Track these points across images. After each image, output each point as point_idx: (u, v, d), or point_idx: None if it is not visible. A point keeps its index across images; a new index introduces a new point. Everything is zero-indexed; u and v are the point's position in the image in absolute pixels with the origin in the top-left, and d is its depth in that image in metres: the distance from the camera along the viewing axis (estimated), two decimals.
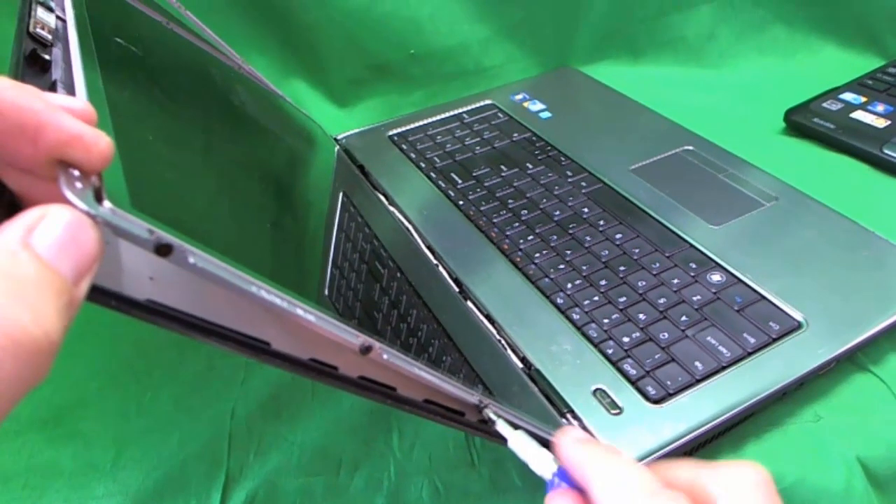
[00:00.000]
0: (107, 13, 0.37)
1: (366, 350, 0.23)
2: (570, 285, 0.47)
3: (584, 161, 0.60)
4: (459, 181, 0.60)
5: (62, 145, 0.18)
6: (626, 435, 0.37)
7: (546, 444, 0.28)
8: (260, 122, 0.55)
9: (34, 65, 0.25)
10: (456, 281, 0.49)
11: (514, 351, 0.43)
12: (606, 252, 0.49)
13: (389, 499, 0.40)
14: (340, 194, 0.58)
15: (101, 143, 0.19)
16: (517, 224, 0.54)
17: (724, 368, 0.40)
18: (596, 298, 0.46)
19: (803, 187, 0.54)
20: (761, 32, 0.81)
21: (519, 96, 0.73)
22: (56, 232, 0.17)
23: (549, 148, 0.63)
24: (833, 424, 0.40)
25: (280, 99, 0.64)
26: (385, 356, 0.24)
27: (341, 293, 0.47)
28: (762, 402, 0.39)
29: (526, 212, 0.55)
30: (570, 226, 0.52)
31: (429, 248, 0.52)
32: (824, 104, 0.68)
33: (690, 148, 0.61)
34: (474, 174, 0.60)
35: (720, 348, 0.41)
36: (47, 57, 0.25)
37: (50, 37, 0.26)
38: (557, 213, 0.54)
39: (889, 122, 0.64)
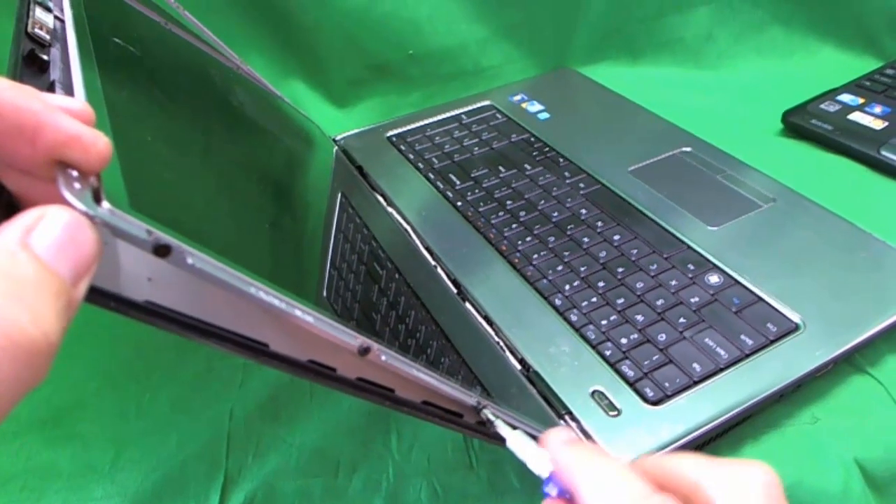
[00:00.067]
0: (105, 13, 0.37)
1: (364, 351, 0.23)
2: (568, 287, 0.47)
3: (583, 162, 0.60)
4: (458, 182, 0.60)
5: (60, 146, 0.18)
6: (624, 436, 0.37)
7: None
8: (258, 122, 0.55)
9: (32, 65, 0.25)
10: (454, 282, 0.49)
11: (512, 352, 0.43)
12: (604, 253, 0.49)
13: (388, 500, 0.40)
14: (339, 195, 0.58)
15: (99, 143, 0.19)
16: (515, 225, 0.54)
17: (721, 370, 0.40)
18: (594, 300, 0.46)
19: (801, 189, 0.54)
20: (759, 34, 0.81)
21: (517, 97, 0.73)
22: (55, 233, 0.17)
23: (547, 149, 0.63)
24: (831, 426, 0.40)
25: (278, 99, 0.64)
26: (383, 357, 0.24)
27: (340, 294, 0.47)
28: (760, 403, 0.39)
29: (524, 213, 0.55)
30: (569, 227, 0.53)
31: (427, 249, 0.52)
32: (822, 105, 0.68)
33: (688, 149, 0.61)
34: (473, 175, 0.60)
35: (718, 350, 0.41)
36: (45, 57, 0.25)
37: (48, 37, 0.26)
38: (556, 214, 0.54)
39: (886, 124, 0.64)
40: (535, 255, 0.50)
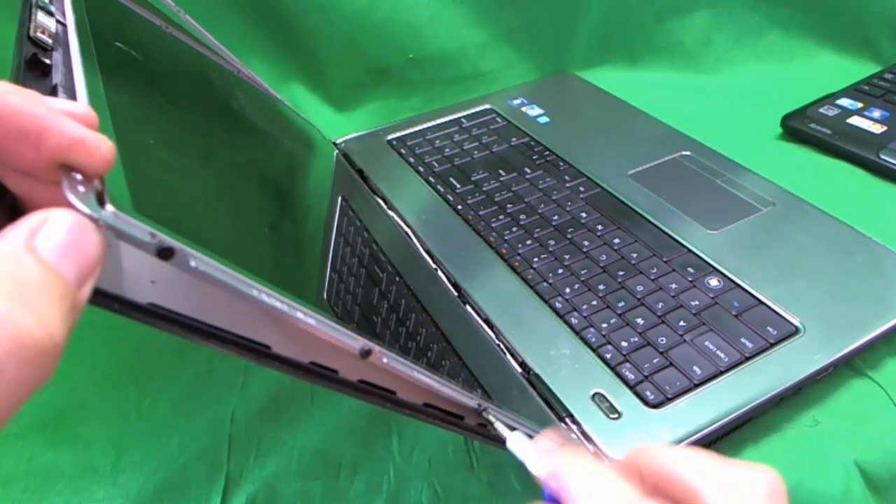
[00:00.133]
0: (107, 17, 0.37)
1: (366, 354, 0.24)
2: (568, 290, 0.47)
3: (583, 166, 0.60)
4: (458, 185, 0.60)
5: (64, 149, 0.18)
6: (624, 439, 0.37)
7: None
8: (259, 126, 0.55)
9: (35, 69, 0.25)
10: (454, 285, 0.49)
11: (512, 355, 0.43)
12: (605, 257, 0.50)
13: (389, 502, 0.40)
14: (339, 198, 0.58)
15: (102, 147, 0.19)
16: (515, 228, 0.54)
17: (722, 373, 0.40)
18: (594, 303, 0.46)
19: (800, 192, 0.55)
20: (758, 38, 0.81)
21: (517, 101, 0.73)
22: (59, 235, 0.17)
23: (547, 153, 0.63)
24: (831, 429, 0.40)
25: (279, 103, 0.64)
26: (385, 360, 0.24)
27: (340, 297, 0.47)
28: (760, 406, 0.39)
29: (524, 216, 0.55)
30: (569, 230, 0.53)
31: (427, 252, 0.52)
32: (821, 110, 0.68)
33: (688, 153, 0.61)
34: (473, 179, 0.60)
35: (718, 353, 0.41)
36: (48, 61, 0.25)
37: (50, 41, 0.26)
38: (556, 217, 0.54)
39: (885, 128, 0.64)
40: (536, 259, 0.50)
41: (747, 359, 0.41)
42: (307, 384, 0.39)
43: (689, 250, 0.49)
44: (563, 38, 0.80)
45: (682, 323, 0.44)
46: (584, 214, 0.54)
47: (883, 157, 0.60)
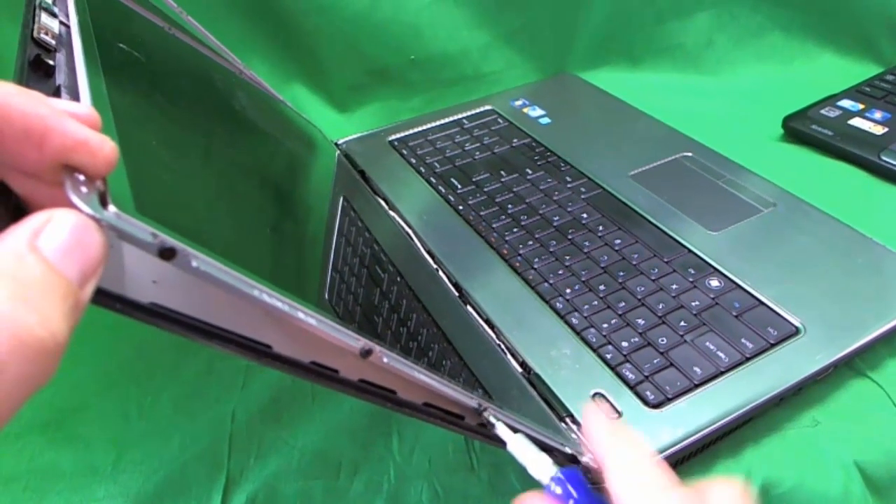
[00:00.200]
0: (110, 18, 0.37)
1: (366, 353, 0.24)
2: (569, 290, 0.47)
3: (584, 167, 0.60)
4: (459, 186, 0.60)
5: (67, 150, 0.18)
6: None
7: (545, 448, 0.28)
8: (261, 126, 0.56)
9: (38, 70, 0.25)
10: (455, 285, 0.49)
11: (513, 355, 0.43)
12: (606, 257, 0.50)
13: (389, 502, 0.40)
14: (341, 199, 0.59)
15: (105, 147, 0.19)
16: (516, 229, 0.54)
17: (722, 373, 0.40)
18: (595, 303, 0.46)
19: (801, 194, 0.55)
20: (759, 39, 0.81)
21: (518, 102, 0.73)
22: (62, 235, 0.17)
23: (548, 153, 0.63)
24: (831, 429, 0.40)
25: (281, 104, 0.64)
26: (385, 360, 0.24)
27: (341, 297, 0.47)
28: (760, 407, 0.39)
29: (525, 217, 0.55)
30: (570, 231, 0.53)
31: (428, 252, 0.52)
32: (822, 111, 0.68)
33: (689, 154, 0.61)
34: (474, 179, 0.61)
35: (718, 353, 0.41)
36: (51, 62, 0.25)
37: (54, 42, 0.27)
38: (557, 218, 0.54)
39: (887, 129, 0.64)
40: (537, 259, 0.50)
41: (747, 359, 0.41)
42: (308, 384, 0.39)
43: (690, 251, 0.50)
44: (565, 39, 0.81)
45: (682, 323, 0.44)
46: (585, 215, 0.54)
47: (884, 158, 0.60)
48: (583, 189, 0.58)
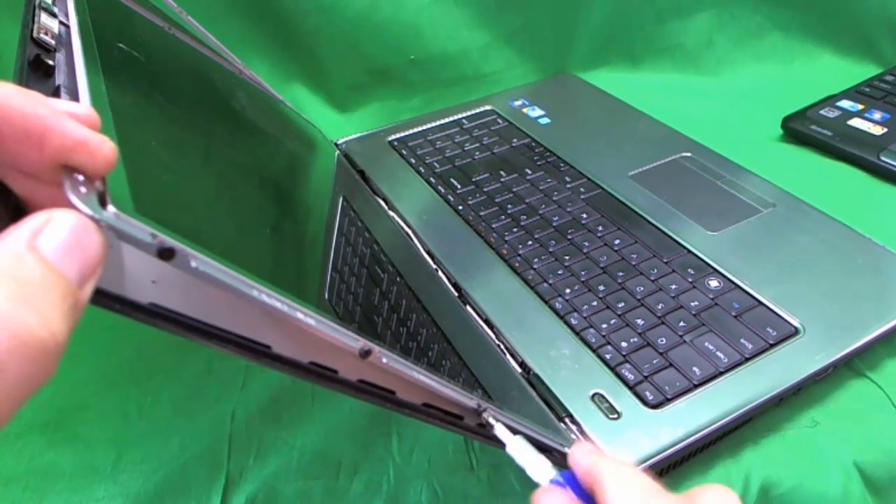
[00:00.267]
0: (109, 18, 0.37)
1: (365, 354, 0.24)
2: (568, 290, 0.47)
3: (583, 167, 0.60)
4: (459, 186, 0.60)
5: (67, 150, 0.18)
6: (624, 440, 0.37)
7: (544, 449, 0.28)
8: (261, 126, 0.56)
9: (38, 70, 0.25)
10: (455, 286, 0.49)
11: (512, 355, 0.43)
12: (605, 258, 0.50)
13: (388, 502, 0.40)
14: (340, 199, 0.59)
15: (105, 148, 0.19)
16: (516, 229, 0.54)
17: (721, 374, 0.40)
18: (594, 304, 0.46)
19: (801, 194, 0.55)
20: (759, 40, 0.81)
21: (518, 102, 0.73)
22: (61, 236, 0.17)
23: (548, 154, 0.63)
24: (830, 430, 0.40)
25: (281, 104, 0.64)
26: (384, 360, 0.24)
27: (341, 297, 0.47)
28: (760, 407, 0.39)
29: (525, 217, 0.55)
30: (569, 231, 0.53)
31: (428, 252, 0.52)
32: (821, 111, 0.68)
33: (688, 154, 0.61)
34: (473, 179, 0.61)
35: (718, 354, 0.41)
36: (51, 62, 0.25)
37: (53, 42, 0.27)
38: (556, 218, 0.54)
39: (886, 130, 0.64)
40: (536, 259, 0.50)
41: (747, 359, 0.41)
42: (307, 384, 0.38)
43: (690, 251, 0.50)
44: (564, 39, 0.81)
45: (681, 323, 0.44)
46: (584, 215, 0.54)
47: (883, 158, 0.60)
48: (582, 189, 0.58)
